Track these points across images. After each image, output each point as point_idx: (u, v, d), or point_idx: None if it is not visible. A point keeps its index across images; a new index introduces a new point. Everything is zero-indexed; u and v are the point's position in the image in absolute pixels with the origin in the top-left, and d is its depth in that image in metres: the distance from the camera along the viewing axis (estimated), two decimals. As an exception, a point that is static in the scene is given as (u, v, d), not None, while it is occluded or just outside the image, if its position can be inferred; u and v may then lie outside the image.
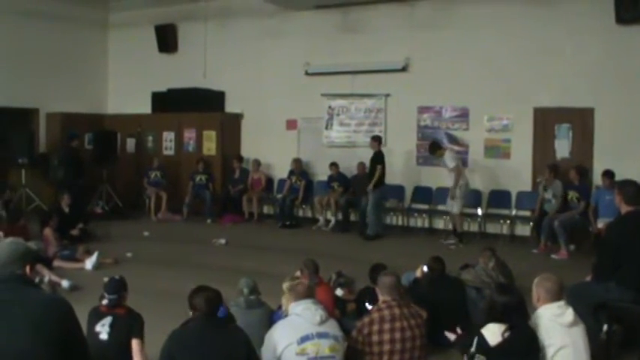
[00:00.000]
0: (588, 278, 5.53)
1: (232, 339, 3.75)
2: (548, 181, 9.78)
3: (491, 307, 4.03)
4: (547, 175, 9.81)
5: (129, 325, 4.25)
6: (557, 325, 4.00)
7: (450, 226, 10.58)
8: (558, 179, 9.78)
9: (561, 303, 4.09)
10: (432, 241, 10.38)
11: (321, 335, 4.03)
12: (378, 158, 10.73)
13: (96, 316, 4.30)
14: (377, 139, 10.95)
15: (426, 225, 11.24)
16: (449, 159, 10.18)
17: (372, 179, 10.64)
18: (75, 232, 9.63)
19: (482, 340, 3.91)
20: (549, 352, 3.94)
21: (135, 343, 4.21)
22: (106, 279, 4.57)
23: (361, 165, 11.43)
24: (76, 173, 11.82)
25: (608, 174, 9.18)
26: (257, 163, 12.69)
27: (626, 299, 4.94)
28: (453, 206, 10.17)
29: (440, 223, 11.20)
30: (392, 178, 11.53)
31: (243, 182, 12.64)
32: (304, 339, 3.97)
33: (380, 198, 10.80)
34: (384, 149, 10.92)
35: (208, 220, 12.26)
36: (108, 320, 4.25)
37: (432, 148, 10.50)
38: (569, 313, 4.04)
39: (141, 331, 4.28)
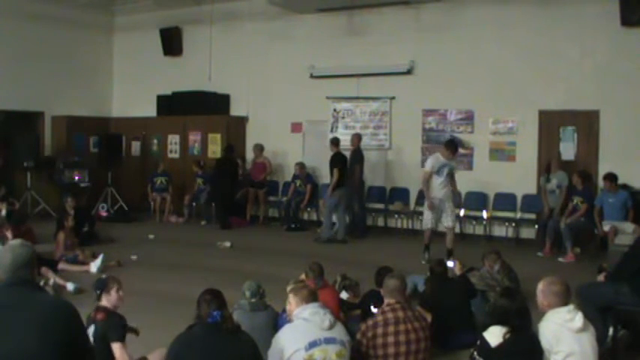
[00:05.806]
0: (601, 278, 5.50)
1: (239, 344, 3.69)
2: (553, 170, 9.79)
3: (495, 310, 4.02)
4: (553, 165, 9.84)
5: (104, 332, 4.11)
6: (566, 330, 3.92)
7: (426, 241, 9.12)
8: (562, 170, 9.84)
9: (571, 307, 4.00)
10: (437, 243, 10.33)
11: (328, 341, 3.96)
12: (336, 160, 10.55)
13: (87, 325, 4.19)
14: (334, 142, 10.78)
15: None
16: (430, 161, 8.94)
17: (331, 182, 10.48)
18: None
19: (484, 343, 3.89)
20: (557, 358, 3.87)
21: (115, 348, 4.06)
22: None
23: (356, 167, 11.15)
24: (233, 182, 11.99)
25: (610, 177, 9.16)
26: (259, 148, 12.40)
27: (638, 305, 4.91)
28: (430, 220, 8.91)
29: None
30: (397, 181, 11.59)
31: (246, 184, 12.56)
32: (312, 345, 3.89)
33: (337, 201, 10.51)
34: (390, 152, 10.83)
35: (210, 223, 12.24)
36: (91, 331, 4.12)
37: (455, 146, 8.95)
38: (578, 319, 3.94)
39: (118, 333, 4.12)
